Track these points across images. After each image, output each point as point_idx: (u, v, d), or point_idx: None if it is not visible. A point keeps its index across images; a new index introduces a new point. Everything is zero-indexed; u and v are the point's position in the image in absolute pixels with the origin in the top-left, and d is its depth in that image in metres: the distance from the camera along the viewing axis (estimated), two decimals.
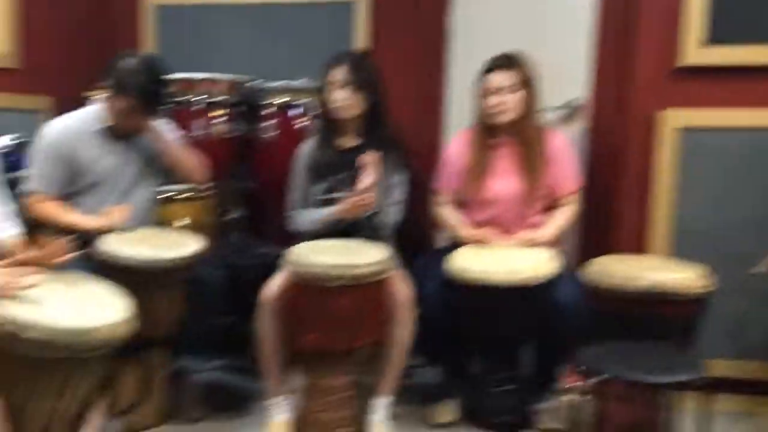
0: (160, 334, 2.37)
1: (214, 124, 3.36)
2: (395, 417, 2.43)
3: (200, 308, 2.50)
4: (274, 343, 2.37)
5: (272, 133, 3.38)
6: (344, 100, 2.54)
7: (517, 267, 2.31)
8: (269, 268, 2.87)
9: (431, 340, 2.47)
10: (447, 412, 2.52)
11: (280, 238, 3.30)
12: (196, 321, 2.49)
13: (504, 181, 2.62)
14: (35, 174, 2.46)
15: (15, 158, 2.74)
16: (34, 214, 2.43)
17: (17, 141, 2.79)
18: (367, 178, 2.44)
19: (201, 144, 3.29)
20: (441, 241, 3.09)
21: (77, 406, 1.66)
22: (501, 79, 2.56)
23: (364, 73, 2.57)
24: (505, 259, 2.40)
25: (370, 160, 2.45)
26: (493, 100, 2.56)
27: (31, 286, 1.57)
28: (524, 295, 2.29)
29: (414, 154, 2.82)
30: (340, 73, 2.55)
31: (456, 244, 2.62)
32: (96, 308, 1.66)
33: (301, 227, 2.63)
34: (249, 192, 3.30)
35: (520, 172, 2.61)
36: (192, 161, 2.66)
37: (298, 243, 2.47)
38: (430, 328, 2.43)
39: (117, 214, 2.41)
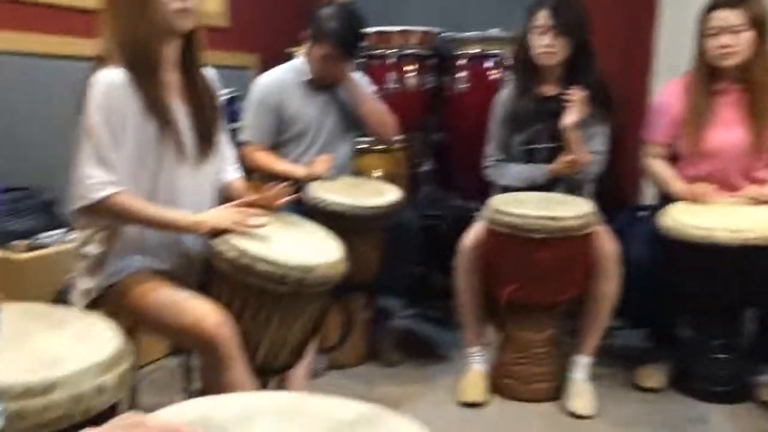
0: (361, 279, 2.44)
1: (407, 76, 3.38)
2: (596, 377, 2.33)
3: (397, 256, 2.54)
4: (472, 294, 2.35)
5: (464, 85, 3.33)
6: (547, 45, 2.42)
7: (741, 225, 2.08)
8: (461, 220, 2.86)
9: (637, 301, 2.31)
10: (653, 376, 2.37)
11: (471, 191, 3.28)
12: (394, 269, 2.54)
13: (727, 132, 2.36)
14: (248, 126, 2.61)
15: (229, 111, 2.95)
16: (248, 162, 2.59)
17: (230, 95, 3.00)
18: (570, 116, 2.33)
19: (393, 97, 3.34)
20: (645, 197, 2.88)
21: (296, 339, 1.76)
22: (728, 17, 2.28)
23: (569, 16, 2.42)
24: (727, 216, 2.17)
25: (575, 96, 2.33)
26: (719, 40, 2.29)
27: (260, 225, 1.68)
28: (750, 257, 2.06)
29: (620, 102, 2.63)
30: (542, 17, 2.42)
31: (666, 199, 2.42)
32: (316, 247, 1.73)
33: (502, 181, 2.56)
34: (440, 145, 3.29)
35: (746, 121, 2.34)
36: (382, 116, 2.68)
37: (491, 196, 2.42)
38: (635, 287, 2.28)
39: (321, 163, 2.50)
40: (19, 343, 1.15)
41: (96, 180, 1.57)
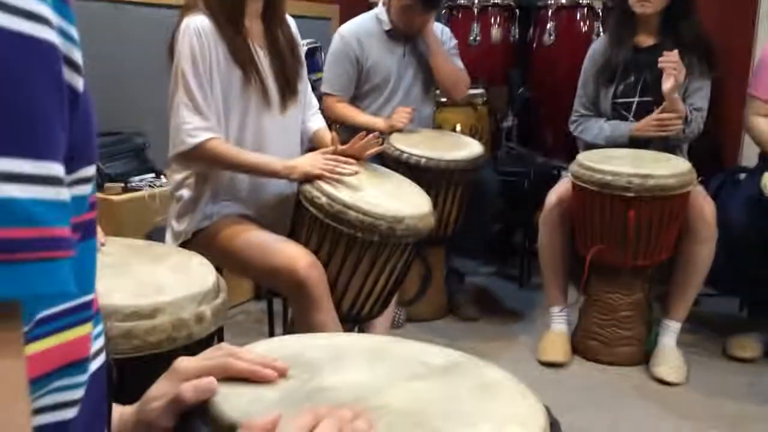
0: (441, 234, 2.42)
1: (491, 28, 3.27)
2: (685, 344, 2.24)
3: (478, 212, 2.50)
4: (555, 252, 2.29)
5: (551, 38, 3.20)
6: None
7: None
8: (544, 177, 2.79)
9: (732, 268, 2.20)
10: (747, 346, 2.26)
11: (555, 149, 3.19)
12: (474, 224, 2.51)
13: None
14: (328, 77, 2.58)
15: (310, 62, 2.94)
16: (329, 114, 2.58)
17: (311, 46, 2.98)
18: (668, 82, 2.18)
19: (476, 49, 3.25)
20: (745, 158, 2.72)
21: (380, 288, 1.76)
22: None
23: None
24: None
25: (670, 60, 2.19)
26: None
27: (350, 173, 1.67)
28: None
29: (721, 54, 2.46)
30: None
31: None
32: (405, 199, 1.71)
33: (588, 137, 2.46)
34: (525, 100, 3.19)
35: None
36: (454, 75, 2.59)
37: (576, 153, 2.33)
38: (731, 253, 2.17)
39: (401, 114, 2.46)
40: (124, 272, 1.20)
41: (191, 126, 1.60)
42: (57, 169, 0.36)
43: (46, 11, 0.36)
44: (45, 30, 0.36)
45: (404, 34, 2.54)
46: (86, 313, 0.44)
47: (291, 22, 1.81)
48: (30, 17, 0.35)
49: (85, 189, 0.43)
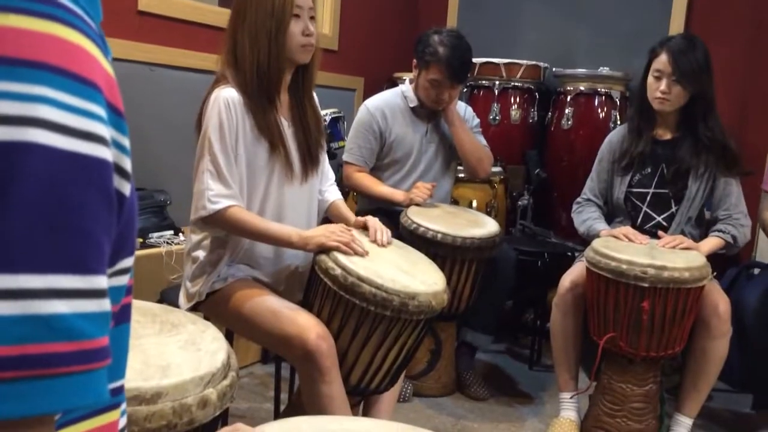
0: (454, 309, 2.41)
1: (511, 109, 3.35)
2: None
3: (492, 290, 2.50)
4: (568, 337, 2.27)
5: (569, 122, 3.27)
6: (662, 92, 2.29)
7: None
8: (559, 258, 2.79)
9: (745, 364, 2.17)
10: None
11: (570, 230, 3.19)
12: (486, 301, 2.50)
13: None
14: (351, 146, 2.63)
15: (331, 131, 3.01)
16: (349, 183, 2.62)
17: (334, 115, 3.05)
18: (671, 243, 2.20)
19: (496, 129, 3.32)
20: (760, 253, 2.72)
21: (390, 363, 1.74)
22: None
23: (689, 64, 2.28)
24: None
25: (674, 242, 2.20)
26: None
27: (363, 252, 1.68)
28: None
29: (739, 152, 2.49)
30: (662, 62, 2.30)
31: None
32: (420, 275, 1.72)
33: (576, 222, 2.47)
34: (540, 180, 3.23)
35: None
36: (479, 152, 2.63)
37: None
38: (745, 349, 2.14)
39: (422, 190, 2.48)
40: (133, 345, 1.15)
41: (214, 192, 1.64)
42: (101, 282, 0.38)
43: (102, 129, 0.39)
44: (98, 148, 0.38)
45: (429, 110, 2.60)
46: (117, 399, 0.45)
47: (314, 96, 1.87)
48: (87, 137, 0.38)
49: (124, 279, 0.44)
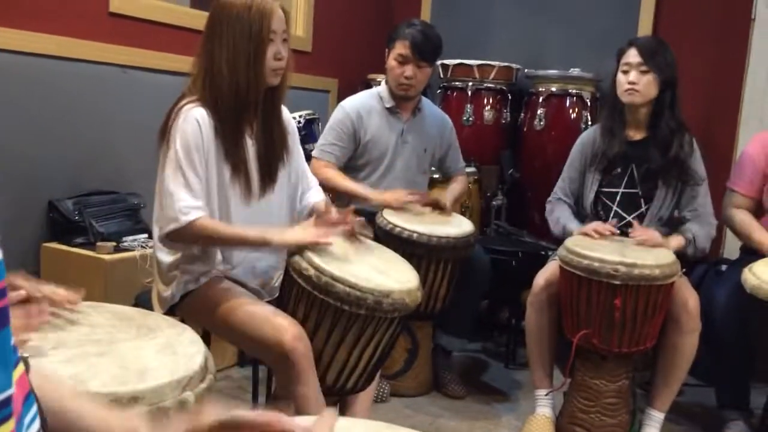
0: (430, 309, 2.43)
1: (484, 110, 3.38)
2: None
3: (467, 290, 2.52)
4: (542, 335, 2.30)
5: (542, 122, 3.31)
6: (630, 82, 2.33)
7: None
8: (532, 257, 2.82)
9: (716, 359, 2.22)
10: None
11: (543, 229, 3.23)
12: (461, 301, 2.52)
13: None
14: (322, 143, 2.61)
15: (305, 132, 3.01)
16: (316, 176, 2.60)
17: (309, 117, 3.05)
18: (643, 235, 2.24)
19: (469, 130, 3.35)
20: (727, 250, 2.78)
21: (366, 362, 1.75)
22: None
23: (657, 55, 2.34)
24: None
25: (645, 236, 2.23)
26: None
27: (329, 243, 1.66)
28: None
29: (704, 151, 2.55)
30: (631, 55, 2.35)
31: (749, 253, 2.33)
32: (394, 273, 1.73)
33: (550, 223, 2.49)
34: (514, 180, 3.27)
35: None
36: (463, 191, 2.73)
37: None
38: (715, 346, 2.19)
39: (396, 195, 2.47)
40: (109, 351, 1.15)
41: (186, 204, 1.61)
42: None
43: None
44: None
45: (403, 101, 2.59)
46: (5, 410, 0.42)
47: (284, 112, 1.86)
48: None
49: None
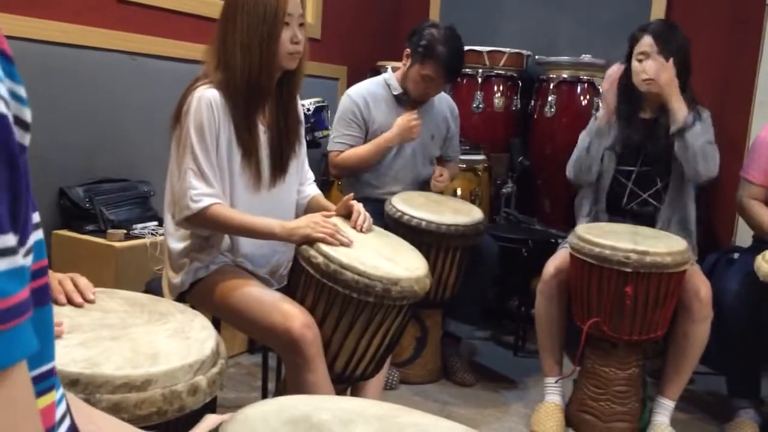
0: (439, 296, 2.43)
1: (494, 97, 3.36)
2: (678, 423, 2.22)
3: (476, 277, 2.51)
4: (552, 322, 2.29)
5: (552, 109, 3.28)
6: (648, 70, 2.31)
7: None
8: (542, 245, 2.81)
9: (727, 348, 2.20)
10: (745, 427, 2.23)
11: (553, 217, 3.22)
12: (472, 289, 2.51)
13: None
14: (335, 135, 2.62)
15: (314, 119, 3.00)
16: (336, 166, 2.61)
17: (318, 104, 3.04)
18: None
19: (479, 117, 3.33)
20: (740, 238, 2.75)
21: (374, 350, 1.75)
22: None
23: (672, 41, 2.33)
24: None
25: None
26: None
27: (348, 244, 1.67)
28: None
29: (717, 138, 2.52)
30: (646, 44, 2.34)
31: (762, 242, 2.30)
32: (403, 261, 1.72)
33: (573, 158, 2.48)
34: (524, 168, 3.25)
35: None
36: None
37: (574, 223, 2.34)
38: (727, 334, 2.17)
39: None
40: (122, 335, 1.17)
41: (197, 191, 1.63)
42: (8, 240, 0.37)
43: None
44: None
45: (414, 100, 2.60)
46: (49, 381, 0.43)
47: (297, 100, 1.85)
48: None
49: (27, 260, 0.41)
